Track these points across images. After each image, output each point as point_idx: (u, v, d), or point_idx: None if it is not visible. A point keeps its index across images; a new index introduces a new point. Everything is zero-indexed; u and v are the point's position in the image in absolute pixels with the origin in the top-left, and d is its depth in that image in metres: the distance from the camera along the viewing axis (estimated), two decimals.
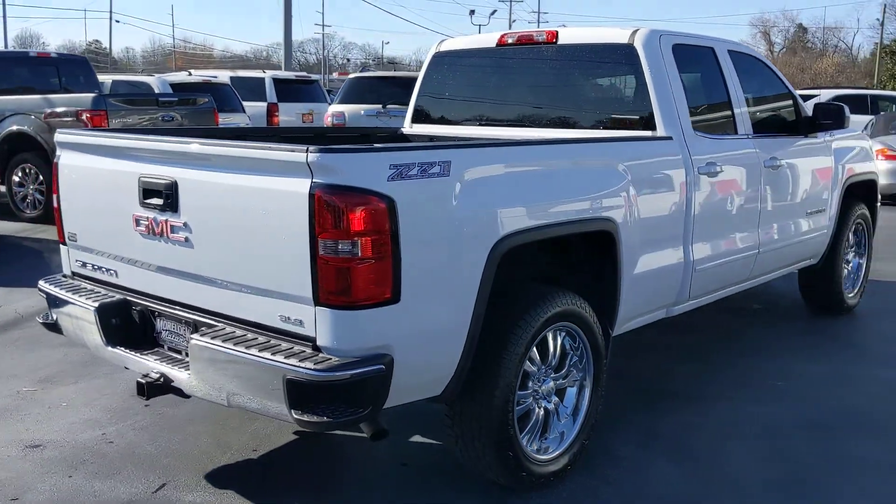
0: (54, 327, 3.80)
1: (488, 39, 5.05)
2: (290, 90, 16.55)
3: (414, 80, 12.87)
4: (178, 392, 3.25)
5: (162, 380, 3.21)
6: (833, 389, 4.79)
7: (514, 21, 78.52)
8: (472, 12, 68.14)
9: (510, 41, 4.87)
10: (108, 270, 3.58)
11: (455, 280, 3.01)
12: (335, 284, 2.72)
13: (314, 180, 2.70)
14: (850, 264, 6.38)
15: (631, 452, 3.90)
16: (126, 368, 3.48)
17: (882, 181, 8.11)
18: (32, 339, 5.55)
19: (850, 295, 6.37)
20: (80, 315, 3.49)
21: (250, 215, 2.90)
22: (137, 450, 3.87)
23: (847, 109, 5.39)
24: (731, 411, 4.43)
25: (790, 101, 5.49)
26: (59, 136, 3.71)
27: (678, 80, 4.37)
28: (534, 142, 3.75)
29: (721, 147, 4.58)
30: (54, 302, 3.70)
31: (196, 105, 11.02)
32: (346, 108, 12.48)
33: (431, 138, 5.07)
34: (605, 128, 4.49)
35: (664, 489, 3.57)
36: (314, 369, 2.69)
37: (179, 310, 3.27)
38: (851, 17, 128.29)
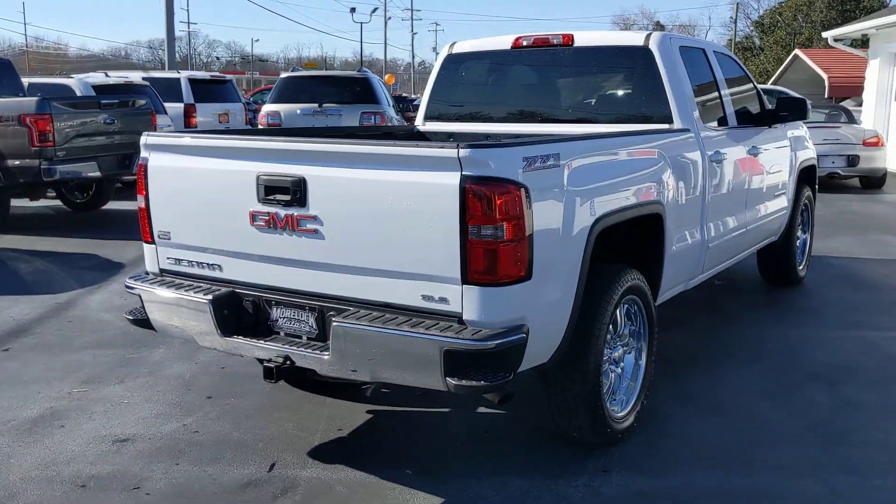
0: (145, 323, 3.93)
1: (502, 42, 5.43)
2: (205, 91, 16.35)
3: (348, 79, 13.10)
4: (303, 373, 3.49)
5: (288, 363, 3.45)
6: (814, 350, 5.43)
7: (389, 18, 79.00)
8: (353, 10, 68.04)
9: (525, 44, 5.27)
10: (210, 265, 3.76)
11: (566, 258, 3.40)
12: (482, 265, 3.05)
13: (463, 173, 3.02)
14: (799, 240, 7.13)
15: (675, 411, 4.38)
16: (241, 356, 3.67)
17: None
18: (50, 344, 5.55)
19: (801, 268, 7.13)
20: (190, 308, 3.66)
21: (391, 206, 3.18)
22: (227, 437, 4.05)
23: (809, 103, 6.09)
24: (740, 372, 4.99)
25: (755, 95, 6.13)
26: (149, 139, 3.85)
27: (687, 78, 4.89)
28: (602, 135, 4.15)
29: (721, 137, 5.14)
30: (150, 298, 3.83)
31: (135, 107, 10.87)
32: (282, 108, 12.55)
33: (450, 135, 5.42)
34: (623, 123, 4.95)
35: (715, 438, 4.05)
36: (471, 339, 3.02)
37: (302, 298, 3.51)
38: (704, 16, 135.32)
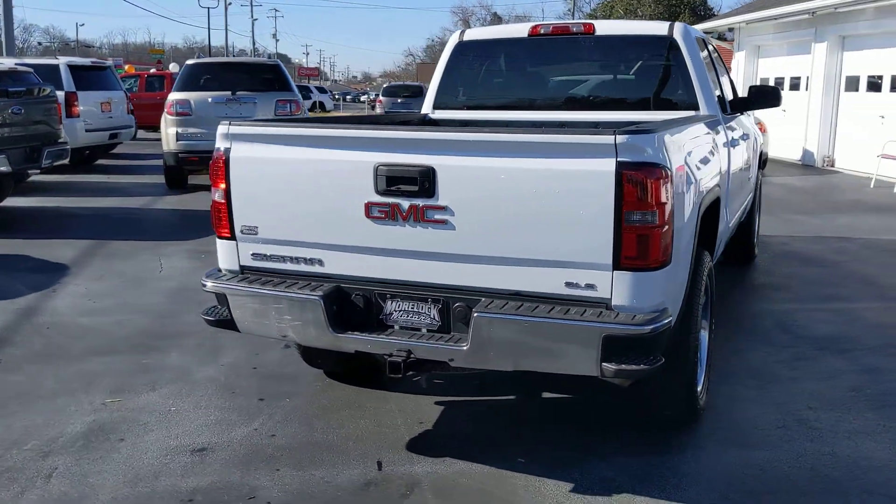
0: (227, 324, 3.72)
1: (518, 30, 5.46)
2: (86, 78, 15.37)
3: (259, 66, 12.68)
4: (427, 365, 3.42)
5: (412, 357, 3.36)
6: (805, 323, 5.81)
7: (229, 3, 76.69)
8: None
9: (543, 31, 5.32)
10: (308, 261, 3.59)
11: (687, 240, 3.50)
12: (636, 250, 3.10)
13: (619, 159, 3.05)
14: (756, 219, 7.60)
15: (714, 386, 4.58)
16: (356, 352, 3.54)
17: None
18: (44, 354, 5.12)
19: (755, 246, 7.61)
20: (295, 305, 3.49)
21: (534, 194, 3.16)
22: (310, 439, 3.90)
23: (780, 91, 6.48)
24: (754, 345, 5.28)
25: (729, 82, 6.47)
26: (232, 128, 3.63)
27: (704, 66, 5.11)
28: (684, 120, 4.25)
29: (731, 123, 5.41)
30: (240, 296, 3.62)
31: (41, 96, 10.08)
32: (191, 96, 11.95)
33: (465, 123, 5.40)
34: (650, 110, 5.11)
35: (770, 407, 4.28)
36: (632, 324, 3.06)
37: (423, 290, 3.42)
38: (538, 8, 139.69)
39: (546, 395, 4.47)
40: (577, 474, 3.55)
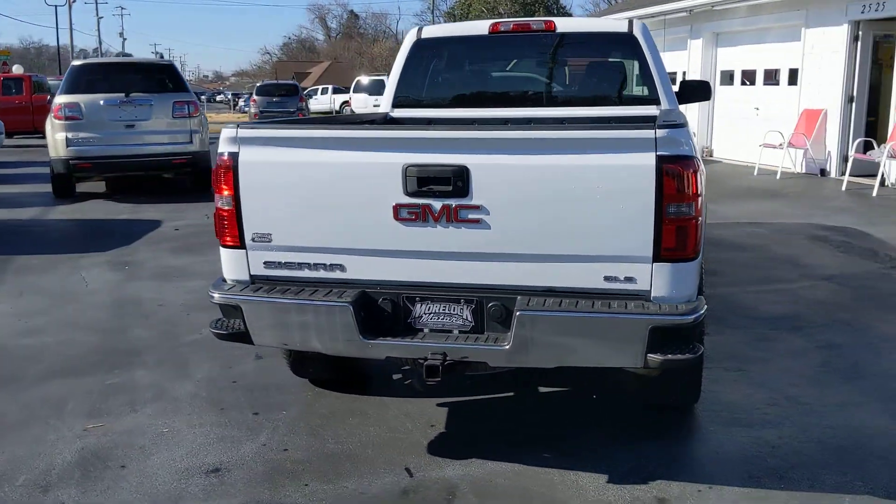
0: (241, 337, 3.54)
1: (477, 27, 5.46)
2: None
3: (151, 66, 12.13)
4: (463, 367, 3.38)
5: (447, 359, 3.31)
6: (752, 305, 6.12)
7: (73, 1, 73.03)
8: None
9: (504, 29, 5.35)
10: (329, 266, 3.47)
11: (702, 227, 3.59)
12: (674, 242, 3.17)
13: (658, 153, 3.11)
14: None
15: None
16: (386, 358, 3.45)
17: None
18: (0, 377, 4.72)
19: None
20: (322, 313, 3.36)
21: (572, 190, 3.17)
22: (326, 450, 3.77)
23: (710, 84, 6.78)
24: (722, 332, 5.50)
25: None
26: (241, 132, 3.45)
27: (662, 62, 5.28)
28: (672, 111, 4.36)
29: (685, 117, 5.61)
30: (257, 307, 3.45)
31: None
32: (81, 98, 11.24)
33: (429, 121, 5.37)
34: (613, 105, 5.23)
35: (751, 390, 4.49)
36: (678, 315, 3.13)
37: (455, 291, 3.37)
38: (395, 6, 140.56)
39: (542, 389, 4.50)
40: (606, 465, 3.60)
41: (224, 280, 3.66)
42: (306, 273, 3.51)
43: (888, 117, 12.58)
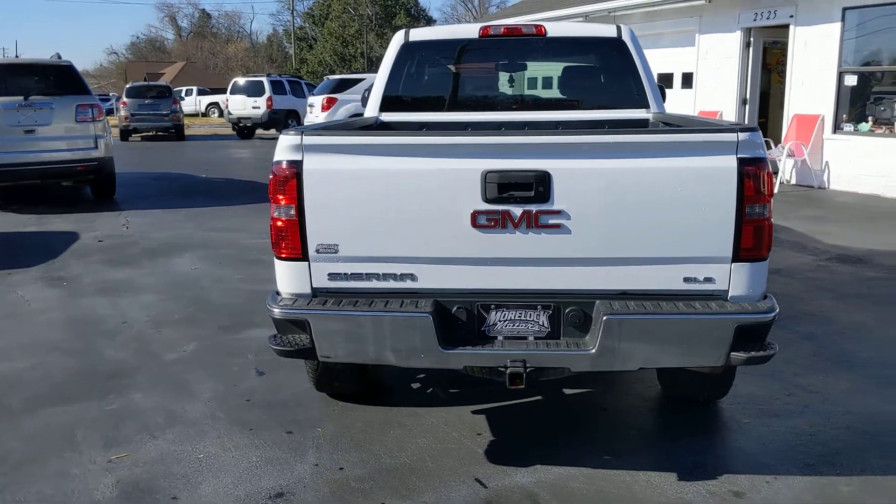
0: (306, 353, 3.38)
1: (467, 31, 5.43)
2: None
3: (48, 67, 11.35)
4: (545, 373, 3.35)
5: (528, 366, 3.28)
6: None
7: None
8: None
9: (494, 33, 5.34)
10: (399, 276, 3.36)
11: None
12: (752, 242, 3.26)
13: (739, 155, 3.19)
14: None
15: None
16: (462, 370, 3.37)
17: None
18: None
19: None
20: (399, 325, 3.25)
21: (653, 193, 3.20)
22: (385, 466, 3.65)
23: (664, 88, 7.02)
24: None
25: None
26: (307, 138, 3.29)
27: (650, 67, 5.43)
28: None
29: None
30: (327, 321, 3.30)
31: None
32: None
33: (421, 125, 5.30)
34: (603, 109, 5.32)
35: (762, 369, 4.69)
36: (762, 313, 3.23)
37: (533, 297, 3.34)
38: (248, 5, 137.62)
39: (567, 391, 4.53)
40: (669, 464, 3.66)
41: (278, 294, 3.48)
42: (374, 284, 3.39)
43: (777, 118, 13.43)
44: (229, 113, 29.24)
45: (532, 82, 5.60)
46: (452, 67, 5.56)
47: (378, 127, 5.35)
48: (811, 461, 3.68)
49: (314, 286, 3.41)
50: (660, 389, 4.49)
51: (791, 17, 12.57)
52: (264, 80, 28.17)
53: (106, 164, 11.38)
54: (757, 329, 3.26)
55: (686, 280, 3.30)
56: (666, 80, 15.99)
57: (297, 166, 3.30)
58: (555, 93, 5.52)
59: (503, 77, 5.58)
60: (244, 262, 7.83)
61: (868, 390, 4.50)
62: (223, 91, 47.10)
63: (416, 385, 4.64)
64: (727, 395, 4.35)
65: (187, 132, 28.41)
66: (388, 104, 5.42)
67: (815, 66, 12.25)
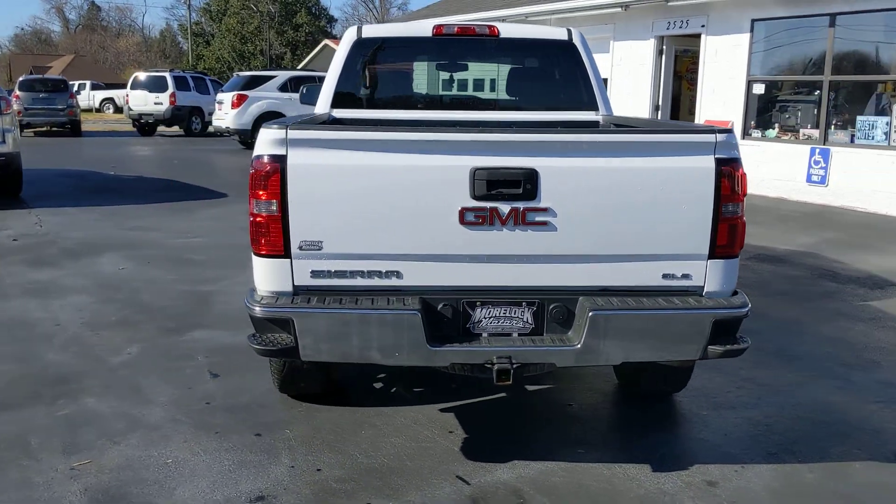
0: (289, 352, 3.31)
1: (420, 28, 5.42)
2: None
3: None
4: (529, 369, 3.40)
5: (514, 362, 3.31)
6: None
7: None
8: None
9: (447, 32, 5.36)
10: (384, 274, 3.33)
11: None
12: (727, 239, 3.39)
13: (716, 156, 3.31)
14: None
15: None
16: (445, 368, 3.37)
17: None
18: None
19: None
20: (387, 323, 3.23)
21: (636, 192, 3.28)
22: (364, 466, 3.61)
23: None
24: None
25: None
26: (292, 132, 3.22)
27: (598, 70, 5.56)
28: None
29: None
30: (311, 320, 3.24)
31: None
32: None
33: (376, 122, 5.27)
34: (553, 110, 5.42)
35: (708, 363, 4.87)
36: (737, 308, 3.35)
37: (517, 294, 3.37)
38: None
39: (529, 388, 4.58)
40: (643, 456, 3.75)
41: (255, 291, 3.40)
42: (358, 281, 3.35)
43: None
44: (129, 109, 28.23)
45: (482, 83, 5.64)
46: (405, 65, 5.55)
47: (336, 122, 5.29)
48: (773, 450, 3.85)
49: (296, 284, 3.34)
50: (618, 384, 4.60)
51: (703, 26, 13.08)
52: (167, 75, 27.36)
53: (13, 160, 10.83)
54: (731, 323, 3.39)
55: (665, 276, 3.40)
56: None
57: (280, 161, 3.23)
58: (506, 93, 5.58)
59: (456, 76, 5.60)
60: (173, 262, 7.59)
61: (812, 382, 4.73)
62: (118, 86, 45.50)
63: (378, 385, 4.61)
64: (681, 389, 4.49)
65: (83, 128, 27.26)
66: (339, 101, 5.36)
67: (726, 74, 12.78)
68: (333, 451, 3.75)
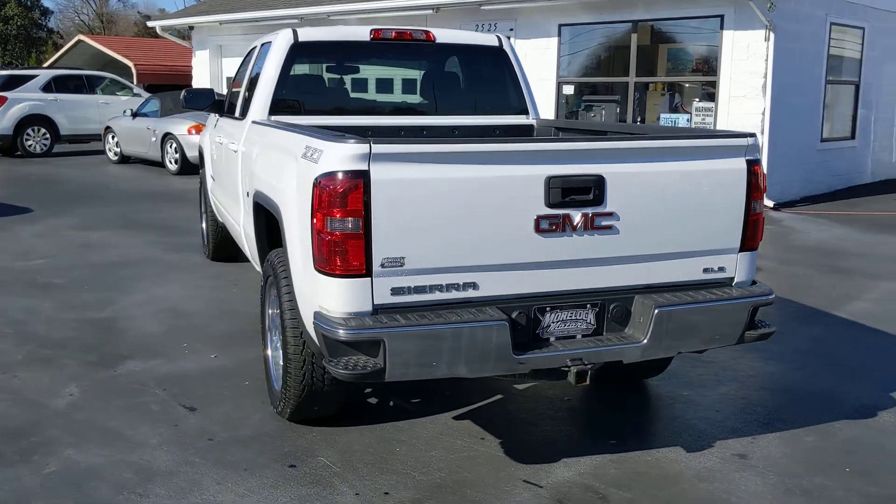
0: (375, 375, 3.17)
1: (357, 32, 5.30)
2: None
3: None
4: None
5: (588, 363, 3.43)
6: None
7: None
8: None
9: (386, 36, 5.30)
10: (461, 286, 3.29)
11: None
12: (752, 234, 3.74)
13: (746, 157, 3.64)
14: None
15: None
16: (523, 375, 3.42)
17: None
18: None
19: None
20: (476, 335, 3.20)
21: (683, 193, 3.53)
22: (429, 482, 3.55)
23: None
24: None
25: None
26: (376, 147, 3.08)
27: (526, 74, 5.77)
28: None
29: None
30: (401, 339, 3.14)
31: None
32: None
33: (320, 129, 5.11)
34: (487, 115, 5.56)
35: None
36: (767, 294, 3.71)
37: (583, 297, 3.48)
38: None
39: (518, 387, 4.69)
40: (671, 439, 4.02)
41: (325, 313, 3.23)
42: (437, 296, 3.29)
43: None
44: None
45: (418, 87, 5.60)
46: (343, 70, 5.40)
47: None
48: (765, 420, 4.28)
49: (376, 303, 3.21)
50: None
51: (511, 30, 13.76)
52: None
53: None
54: (759, 309, 3.74)
55: (705, 270, 3.68)
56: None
57: (362, 176, 3.09)
58: (444, 98, 5.60)
59: (393, 81, 5.54)
60: (35, 287, 6.77)
61: (744, 356, 5.26)
62: None
63: (373, 400, 4.49)
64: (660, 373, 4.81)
65: None
66: (277, 106, 5.11)
67: (537, 75, 13.51)
68: (386, 473, 3.64)
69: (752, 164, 3.65)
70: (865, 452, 3.93)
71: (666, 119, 12.35)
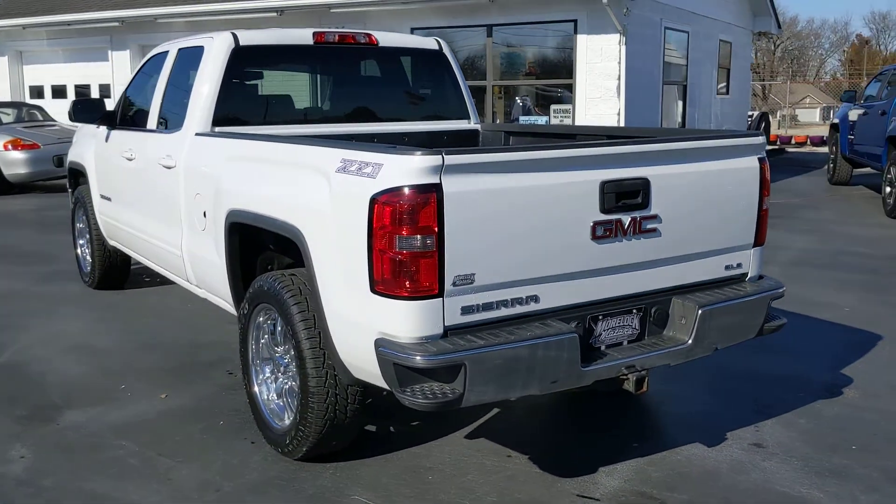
0: (453, 403, 2.95)
1: (300, 36, 4.96)
2: None
3: None
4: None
5: (641, 369, 3.41)
6: None
7: None
8: None
9: (329, 40, 5.01)
10: (524, 300, 3.14)
11: None
12: (762, 229, 3.86)
13: (758, 156, 3.76)
14: None
15: None
16: (587, 386, 3.30)
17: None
18: None
19: None
20: (551, 349, 3.06)
21: (711, 193, 3.59)
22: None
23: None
24: None
25: None
26: (448, 158, 2.86)
27: (464, 78, 5.67)
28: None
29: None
30: (483, 362, 2.94)
31: None
32: None
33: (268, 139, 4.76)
34: (430, 120, 5.41)
35: None
36: (780, 287, 3.84)
37: (629, 302, 3.44)
38: None
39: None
40: (688, 435, 4.06)
41: (391, 339, 2.97)
42: (502, 312, 3.12)
43: None
44: None
45: (367, 92, 5.30)
46: (286, 76, 5.04)
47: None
48: (754, 407, 4.44)
49: (447, 325, 2.99)
50: None
51: None
52: None
53: None
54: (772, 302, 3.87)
55: (727, 267, 3.76)
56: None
57: (434, 190, 2.87)
58: (388, 104, 5.35)
59: (337, 86, 5.24)
60: None
61: (736, 353, 5.42)
62: None
63: (371, 428, 4.20)
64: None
65: None
66: (221, 116, 4.67)
67: None
68: (434, 502, 3.41)
69: (762, 162, 3.77)
70: (854, 429, 4.17)
71: (525, 121, 12.64)
